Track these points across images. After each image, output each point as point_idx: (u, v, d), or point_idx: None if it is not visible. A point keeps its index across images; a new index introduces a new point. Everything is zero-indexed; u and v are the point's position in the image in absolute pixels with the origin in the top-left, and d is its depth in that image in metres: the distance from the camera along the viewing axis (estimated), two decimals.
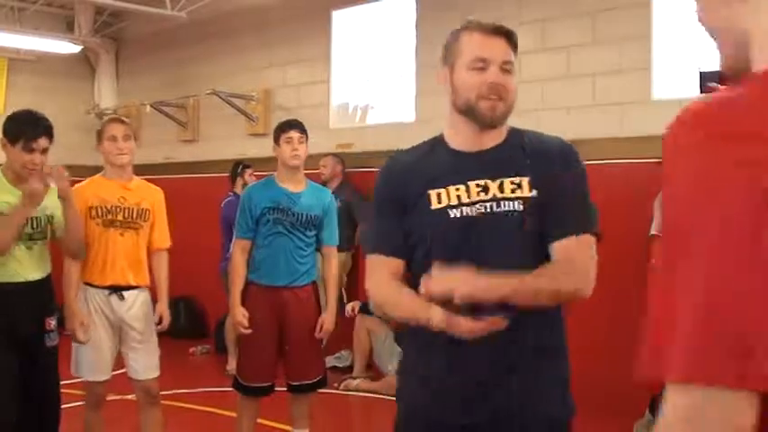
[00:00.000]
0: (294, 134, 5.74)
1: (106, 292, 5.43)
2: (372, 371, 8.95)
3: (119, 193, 5.51)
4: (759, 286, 1.14)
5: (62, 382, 5.33)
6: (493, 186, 2.82)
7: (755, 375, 1.13)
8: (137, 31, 12.67)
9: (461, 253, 2.75)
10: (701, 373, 1.16)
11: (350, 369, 9.14)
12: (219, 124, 11.12)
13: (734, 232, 1.16)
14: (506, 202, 2.81)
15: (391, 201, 2.98)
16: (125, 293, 5.47)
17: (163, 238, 5.74)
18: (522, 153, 2.87)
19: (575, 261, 2.80)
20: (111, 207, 5.46)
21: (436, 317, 2.62)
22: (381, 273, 2.96)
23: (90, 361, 5.43)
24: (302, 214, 5.73)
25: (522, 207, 2.80)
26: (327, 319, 5.81)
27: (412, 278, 2.88)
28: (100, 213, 5.44)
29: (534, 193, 2.81)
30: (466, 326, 2.57)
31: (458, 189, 2.84)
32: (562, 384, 2.94)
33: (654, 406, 7.03)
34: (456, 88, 2.87)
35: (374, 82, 10.27)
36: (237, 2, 9.96)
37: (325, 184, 9.58)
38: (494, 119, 2.84)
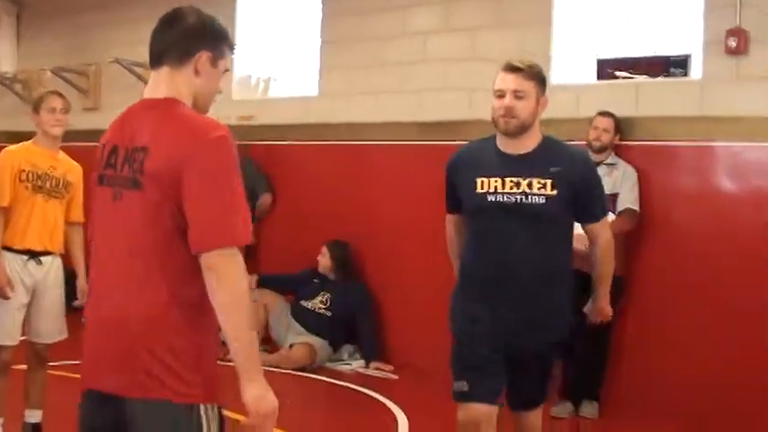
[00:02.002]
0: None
1: (24, 257, 5.64)
2: (269, 344, 9.01)
3: (49, 162, 5.78)
4: None
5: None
6: (523, 183, 4.11)
7: None
8: None
9: (500, 224, 4.17)
10: None
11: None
12: (121, 92, 10.90)
13: None
14: (533, 197, 4.11)
15: (449, 182, 4.44)
16: (42, 258, 5.70)
17: (79, 213, 5.95)
18: (548, 160, 4.15)
19: (599, 237, 4.40)
20: (42, 174, 5.72)
21: None
22: (449, 222, 4.58)
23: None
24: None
25: (544, 201, 4.10)
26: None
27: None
28: (30, 178, 5.68)
29: (556, 192, 4.10)
30: None
31: (496, 181, 4.15)
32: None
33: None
34: (491, 110, 4.19)
35: (278, 55, 10.29)
36: None
37: None
38: (508, 131, 4.15)
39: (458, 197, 4.38)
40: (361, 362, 8.56)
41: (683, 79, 7.41)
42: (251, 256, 9.46)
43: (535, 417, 4.57)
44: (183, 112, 2.87)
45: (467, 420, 4.22)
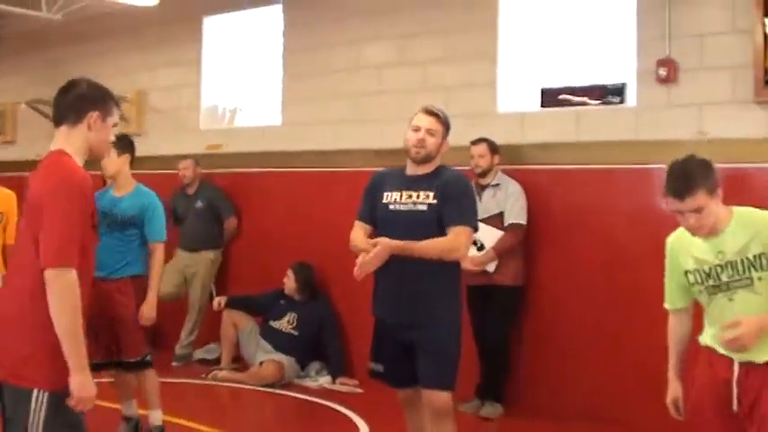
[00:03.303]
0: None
1: None
2: (239, 362, 9.38)
3: None
4: None
5: None
6: (414, 195, 5.14)
7: None
8: (13, 29, 12.72)
9: (395, 228, 5.07)
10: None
11: (218, 361, 9.56)
12: None
13: None
14: (419, 205, 5.11)
15: (369, 191, 5.38)
16: None
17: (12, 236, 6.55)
18: (434, 179, 5.15)
19: (452, 239, 5.06)
20: None
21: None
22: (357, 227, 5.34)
23: None
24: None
25: (426, 208, 5.09)
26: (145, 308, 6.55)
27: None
28: None
29: (435, 201, 5.08)
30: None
31: (397, 194, 5.19)
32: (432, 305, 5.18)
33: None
34: (405, 141, 5.26)
35: (243, 86, 10.65)
36: (112, 4, 10.13)
37: (186, 186, 10.01)
38: (417, 158, 5.22)
39: (372, 207, 5.31)
40: (328, 378, 8.85)
41: (620, 106, 7.75)
42: (221, 279, 9.92)
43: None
44: (60, 159, 3.77)
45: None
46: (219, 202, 9.89)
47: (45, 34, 12.00)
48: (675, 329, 4.49)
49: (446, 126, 5.29)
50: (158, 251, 6.63)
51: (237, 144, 10.28)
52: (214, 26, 10.82)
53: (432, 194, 5.10)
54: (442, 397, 5.13)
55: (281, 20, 9.98)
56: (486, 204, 7.65)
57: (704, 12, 7.27)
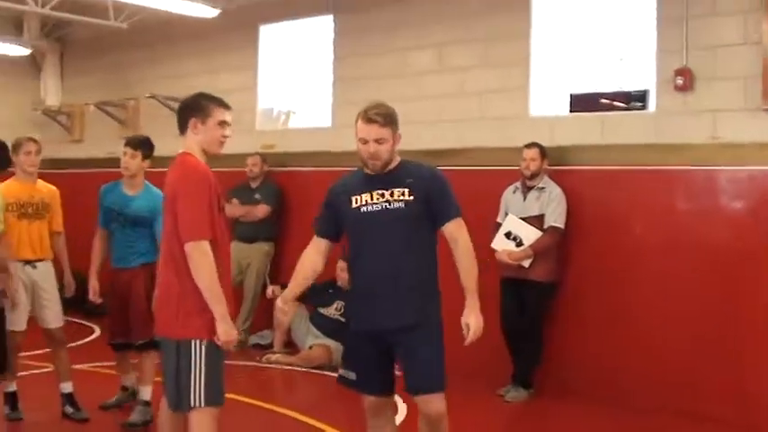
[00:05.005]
0: (126, 149, 7.21)
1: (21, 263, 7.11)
2: (291, 347, 9.98)
3: (29, 192, 7.22)
4: None
5: (23, 354, 7.25)
6: (386, 194, 4.81)
7: None
8: (81, 34, 13.33)
9: (371, 229, 4.84)
10: None
11: (271, 345, 10.20)
12: (157, 124, 11.58)
13: None
14: (395, 203, 4.79)
15: (328, 204, 5.04)
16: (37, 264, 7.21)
17: (59, 224, 7.41)
18: (404, 175, 4.86)
19: (459, 240, 4.85)
20: (24, 202, 7.16)
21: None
22: (314, 243, 5.13)
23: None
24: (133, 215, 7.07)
25: (404, 205, 4.78)
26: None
27: (348, 249, 5.05)
28: (14, 207, 7.08)
29: (413, 197, 4.78)
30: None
31: (366, 195, 4.84)
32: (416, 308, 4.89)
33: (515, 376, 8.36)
34: (358, 150, 4.86)
35: (296, 90, 11.21)
36: (175, 13, 10.61)
37: (251, 180, 10.61)
38: (375, 170, 4.84)
39: (334, 220, 5.01)
40: None
41: (640, 112, 8.19)
42: (275, 269, 10.50)
43: None
44: (184, 159, 4.76)
45: None
46: (271, 193, 10.47)
47: (111, 40, 12.62)
48: None
49: (391, 123, 4.89)
50: None
51: (290, 144, 10.84)
52: (270, 34, 11.40)
53: (407, 191, 4.81)
54: (436, 401, 4.89)
55: (332, 29, 10.56)
56: (530, 204, 8.17)
57: (719, 25, 7.70)
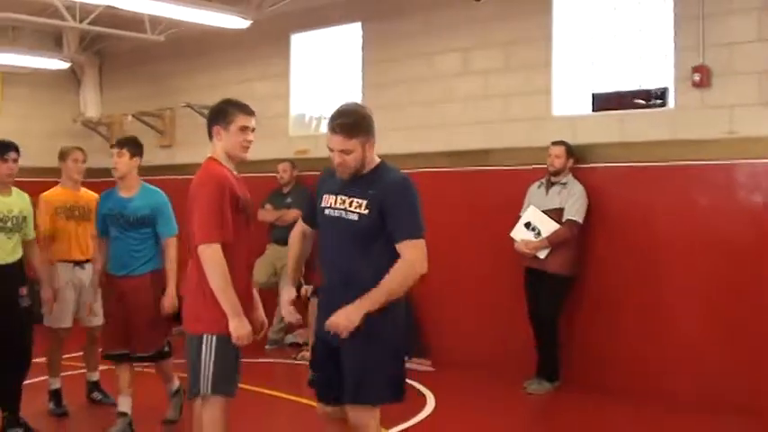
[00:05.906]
0: (113, 150, 7.15)
1: (71, 264, 7.56)
2: None
3: (74, 197, 7.68)
4: None
5: (65, 356, 7.65)
6: (347, 201, 4.64)
7: None
8: (119, 47, 13.67)
9: (330, 235, 4.73)
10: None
11: (306, 344, 10.16)
12: (193, 132, 12.05)
13: None
14: (349, 213, 4.61)
15: (313, 193, 4.94)
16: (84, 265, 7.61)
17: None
18: (370, 183, 4.62)
19: (404, 256, 4.55)
20: (71, 205, 7.60)
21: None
22: (298, 226, 5.15)
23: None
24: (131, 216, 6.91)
25: (357, 218, 4.58)
26: (165, 302, 6.86)
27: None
28: (62, 211, 7.52)
29: (368, 211, 4.56)
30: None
31: (333, 197, 4.70)
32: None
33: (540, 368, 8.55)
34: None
35: (327, 96, 11.40)
36: (209, 25, 10.75)
37: (283, 185, 10.88)
38: (343, 177, 4.65)
39: (314, 209, 4.87)
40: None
41: (659, 110, 8.35)
42: (308, 271, 10.71)
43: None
44: (207, 164, 4.98)
45: None
46: (301, 197, 10.49)
47: (148, 53, 12.97)
48: None
49: (358, 134, 4.58)
50: (171, 246, 6.91)
51: (323, 149, 10.81)
52: (301, 42, 11.67)
53: (364, 203, 4.58)
54: (360, 412, 4.66)
55: (360, 36, 10.81)
56: (551, 198, 8.42)
57: (734, 22, 7.87)
